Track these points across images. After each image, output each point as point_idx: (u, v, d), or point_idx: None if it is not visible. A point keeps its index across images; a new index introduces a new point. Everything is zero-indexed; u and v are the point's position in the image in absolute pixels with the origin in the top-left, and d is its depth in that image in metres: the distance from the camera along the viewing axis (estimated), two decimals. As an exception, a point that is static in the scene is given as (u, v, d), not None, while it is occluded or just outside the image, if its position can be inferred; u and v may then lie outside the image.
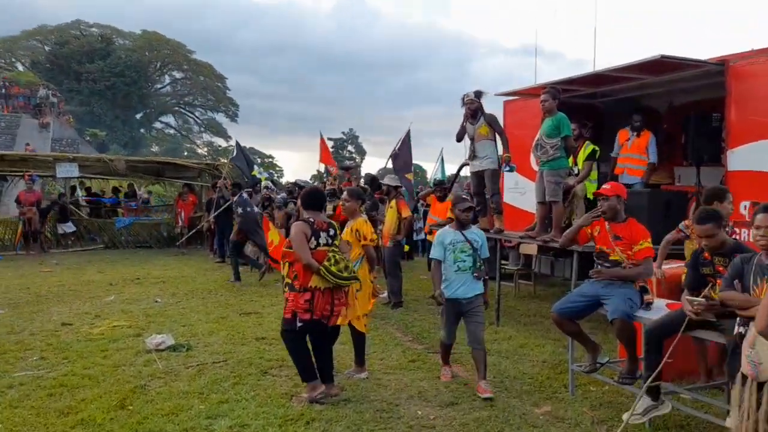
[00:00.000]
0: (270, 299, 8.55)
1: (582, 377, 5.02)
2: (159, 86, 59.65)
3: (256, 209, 10.54)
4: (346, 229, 5.35)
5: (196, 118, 61.90)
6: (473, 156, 7.32)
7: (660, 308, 4.42)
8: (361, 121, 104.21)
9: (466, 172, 12.95)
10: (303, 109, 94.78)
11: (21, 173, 13.91)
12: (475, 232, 4.99)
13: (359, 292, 5.14)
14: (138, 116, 57.31)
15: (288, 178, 41.39)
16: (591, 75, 7.89)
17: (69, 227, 14.34)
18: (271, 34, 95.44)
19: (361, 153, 62.36)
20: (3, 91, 29.05)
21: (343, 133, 61.35)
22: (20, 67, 50.52)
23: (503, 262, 10.98)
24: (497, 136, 7.44)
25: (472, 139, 7.36)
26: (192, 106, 61.39)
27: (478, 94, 7.41)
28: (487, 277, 5.11)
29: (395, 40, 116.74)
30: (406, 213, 8.33)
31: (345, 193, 5.77)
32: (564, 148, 6.39)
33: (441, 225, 8.68)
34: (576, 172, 7.22)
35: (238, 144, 15.73)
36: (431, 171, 13.49)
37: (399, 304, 8.06)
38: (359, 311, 5.12)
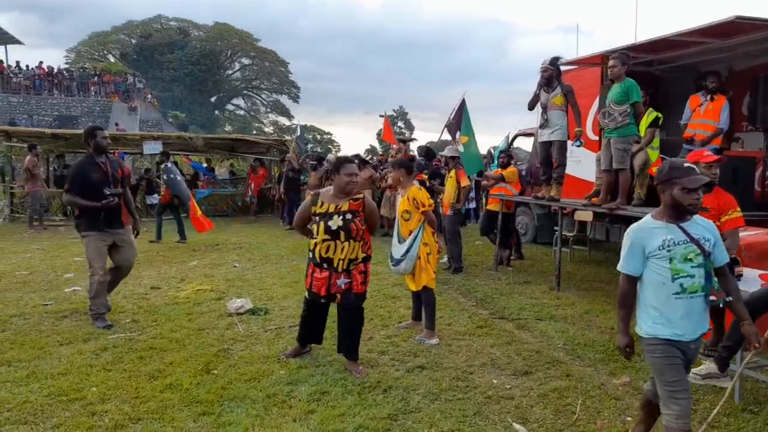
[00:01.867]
0: (337, 264, 8.23)
1: (656, 346, 4.43)
2: (230, 72, 59.98)
3: (179, 177, 10.32)
4: (401, 199, 4.87)
5: (262, 100, 62.27)
6: (544, 125, 6.70)
7: (751, 278, 3.79)
8: (410, 99, 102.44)
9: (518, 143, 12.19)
10: (357, 90, 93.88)
11: (111, 151, 13.99)
12: (702, 224, 2.63)
13: (431, 255, 4.72)
14: (212, 99, 57.95)
15: (345, 152, 41.15)
16: (654, 41, 7.03)
17: (155, 199, 14.35)
18: (327, 21, 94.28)
19: (410, 128, 61.43)
20: (96, 78, 29.55)
21: (393, 110, 60.46)
22: (111, 59, 51.62)
23: (556, 228, 10.34)
24: (570, 109, 6.78)
25: (544, 108, 6.72)
26: (259, 89, 61.67)
27: (554, 62, 6.75)
28: (729, 300, 2.69)
29: (439, 24, 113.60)
30: (465, 182, 7.76)
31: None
32: (633, 115, 5.67)
33: (497, 179, 8.12)
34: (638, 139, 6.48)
35: (298, 125, 15.88)
36: (498, 146, 12.76)
37: (459, 269, 7.57)
38: (432, 269, 4.77)
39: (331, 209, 3.92)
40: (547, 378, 3.98)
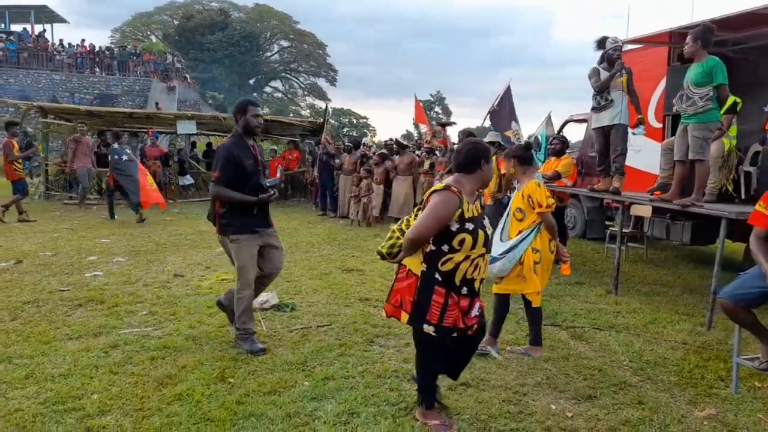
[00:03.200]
0: (370, 255, 7.69)
1: (741, 370, 3.74)
2: (269, 54, 59.84)
3: (125, 157, 9.89)
4: (516, 194, 4.18)
5: (300, 83, 62.07)
6: (605, 106, 5.97)
7: None
8: (448, 84, 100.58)
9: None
10: (394, 74, 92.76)
11: (146, 130, 13.81)
12: None
13: (538, 265, 4.01)
14: (251, 82, 57.97)
15: (381, 136, 40.57)
16: (731, 17, 6.15)
17: (188, 179, 14.11)
18: (366, 4, 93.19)
19: (448, 113, 60.24)
20: (136, 58, 29.65)
21: (431, 95, 59.41)
22: (154, 39, 52.07)
23: (608, 222, 9.56)
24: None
25: (603, 89, 6.02)
26: (297, 72, 61.46)
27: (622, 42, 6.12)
28: None
29: (481, 7, 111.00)
30: (505, 169, 7.07)
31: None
32: (716, 99, 4.90)
33: (550, 179, 7.40)
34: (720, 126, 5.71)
35: (329, 106, 15.54)
36: (534, 131, 11.94)
37: (504, 266, 6.90)
38: (538, 286, 4.02)
39: (476, 212, 2.87)
40: (616, 405, 3.35)
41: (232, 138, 4.02)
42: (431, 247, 2.81)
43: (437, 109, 59.92)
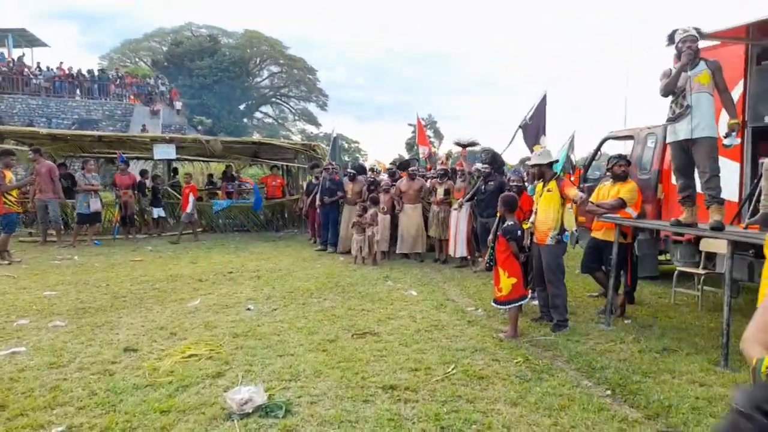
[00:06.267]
0: (383, 307, 6.07)
1: None
2: (259, 80, 58.78)
3: None
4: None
5: (290, 108, 60.99)
6: (682, 115, 4.52)
7: None
8: (437, 108, 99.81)
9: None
10: (383, 99, 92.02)
11: (114, 154, 12.12)
12: None
13: None
14: (241, 107, 56.77)
15: (372, 161, 39.11)
16: None
17: (161, 212, 12.31)
18: (355, 30, 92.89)
19: (440, 137, 59.22)
20: (118, 81, 28.05)
21: (422, 118, 58.33)
22: (143, 65, 50.82)
23: (665, 257, 8.05)
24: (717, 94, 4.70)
25: (680, 93, 4.57)
26: (287, 97, 60.45)
27: (700, 33, 4.70)
28: None
29: (466, 32, 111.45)
30: (573, 193, 5.35)
31: None
32: None
33: (613, 208, 5.89)
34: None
35: (335, 131, 13.83)
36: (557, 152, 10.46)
37: (563, 324, 5.26)
38: None
39: None
40: None
41: None
42: None
43: (429, 132, 58.87)
